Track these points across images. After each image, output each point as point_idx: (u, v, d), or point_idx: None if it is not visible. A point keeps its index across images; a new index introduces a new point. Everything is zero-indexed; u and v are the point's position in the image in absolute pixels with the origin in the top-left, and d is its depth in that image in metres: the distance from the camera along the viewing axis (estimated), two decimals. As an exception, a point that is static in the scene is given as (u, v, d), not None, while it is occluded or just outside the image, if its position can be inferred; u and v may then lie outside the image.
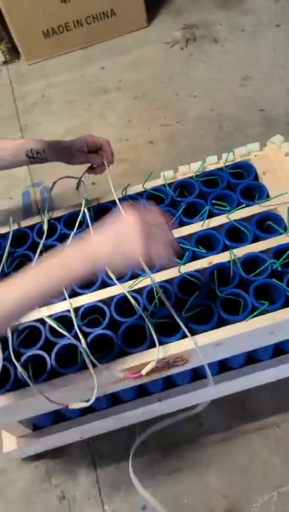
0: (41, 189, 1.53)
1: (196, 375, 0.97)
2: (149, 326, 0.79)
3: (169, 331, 0.81)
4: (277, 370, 0.97)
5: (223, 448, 1.00)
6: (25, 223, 1.00)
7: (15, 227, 0.99)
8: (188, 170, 0.99)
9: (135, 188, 1.01)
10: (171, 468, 1.00)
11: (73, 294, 0.87)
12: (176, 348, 0.78)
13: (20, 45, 1.89)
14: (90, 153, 0.98)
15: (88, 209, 0.98)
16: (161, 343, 0.79)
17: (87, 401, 0.77)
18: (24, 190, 1.53)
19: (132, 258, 0.65)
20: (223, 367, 0.97)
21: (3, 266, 0.92)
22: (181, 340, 0.79)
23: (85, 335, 0.82)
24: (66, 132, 1.65)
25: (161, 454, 1.01)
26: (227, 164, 0.98)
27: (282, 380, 1.01)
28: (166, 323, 0.81)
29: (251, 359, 0.97)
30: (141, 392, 0.97)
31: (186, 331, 0.78)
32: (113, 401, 0.97)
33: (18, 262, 0.94)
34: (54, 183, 1.03)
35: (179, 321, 0.78)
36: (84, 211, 0.97)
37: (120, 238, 0.66)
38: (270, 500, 0.93)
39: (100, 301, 0.85)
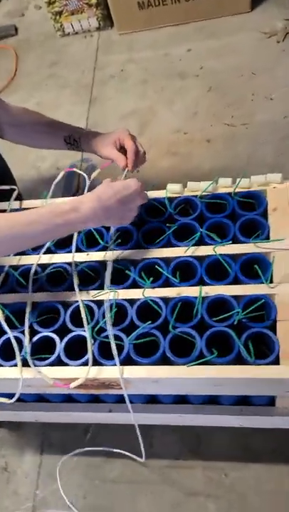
0: (88, 166, 1.54)
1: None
2: (88, 342, 0.77)
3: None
4: (238, 419, 0.91)
5: (164, 475, 0.98)
6: (28, 204, 1.01)
7: (15, 206, 1.01)
8: (197, 187, 0.93)
9: (155, 193, 0.96)
10: (109, 478, 1.00)
11: (37, 289, 0.88)
12: (108, 372, 0.76)
13: (115, 13, 1.86)
14: (119, 151, 0.95)
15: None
16: (97, 363, 0.77)
17: (12, 397, 0.78)
18: (72, 163, 1.55)
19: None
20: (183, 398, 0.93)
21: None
22: (118, 366, 0.77)
23: (33, 333, 0.82)
24: (131, 112, 1.62)
25: (105, 462, 1.02)
26: (238, 191, 0.90)
27: (245, 428, 0.95)
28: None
29: (211, 399, 0.91)
30: (96, 397, 0.97)
31: (116, 359, 0.75)
32: (68, 396, 0.98)
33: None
34: (94, 171, 1.00)
35: (113, 348, 0.75)
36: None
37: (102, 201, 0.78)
38: None
39: (60, 302, 0.85)
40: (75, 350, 0.81)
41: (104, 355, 0.78)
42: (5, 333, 0.83)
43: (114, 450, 0.89)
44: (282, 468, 0.94)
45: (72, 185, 1.50)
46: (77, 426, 1.04)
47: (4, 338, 0.83)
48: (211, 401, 0.91)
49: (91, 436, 1.05)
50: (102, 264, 0.88)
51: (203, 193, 0.91)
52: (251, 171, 1.36)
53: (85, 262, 0.89)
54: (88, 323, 0.80)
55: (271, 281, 0.79)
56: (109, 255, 0.88)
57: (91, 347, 0.77)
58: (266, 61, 1.62)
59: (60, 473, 1.01)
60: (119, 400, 0.95)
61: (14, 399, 0.78)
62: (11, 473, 1.03)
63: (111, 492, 0.98)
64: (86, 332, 0.78)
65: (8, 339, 0.81)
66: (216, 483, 0.95)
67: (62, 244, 0.93)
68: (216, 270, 0.83)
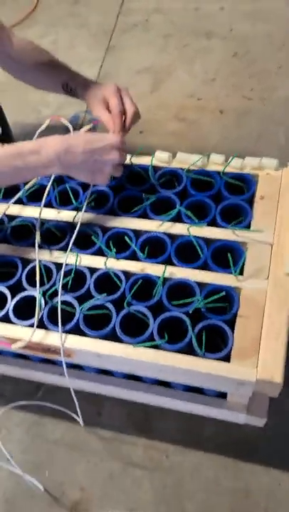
0: (91, 118, 1.46)
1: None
2: (37, 305, 0.73)
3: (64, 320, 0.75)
4: (188, 405, 0.88)
5: (106, 446, 0.96)
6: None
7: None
8: (186, 159, 0.86)
9: (141, 159, 0.89)
10: (52, 438, 0.99)
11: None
12: (52, 339, 0.73)
13: None
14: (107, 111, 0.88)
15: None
16: (44, 327, 0.74)
17: None
18: (75, 113, 1.47)
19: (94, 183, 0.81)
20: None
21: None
22: (60, 333, 0.73)
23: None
24: (146, 68, 1.52)
25: (51, 422, 1.01)
26: (228, 171, 0.83)
27: (195, 415, 0.92)
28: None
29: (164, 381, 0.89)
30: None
31: (60, 327, 0.72)
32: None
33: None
34: (50, 119, 0.94)
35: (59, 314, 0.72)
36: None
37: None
38: (117, 517, 0.90)
39: (20, 258, 0.81)
40: (28, 311, 0.78)
41: (55, 320, 0.75)
42: None
43: (56, 407, 0.87)
44: (222, 460, 0.92)
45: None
46: (31, 381, 1.03)
47: None
48: (163, 383, 0.89)
49: (43, 394, 1.04)
50: (71, 225, 0.83)
51: (192, 168, 0.85)
52: (260, 150, 1.29)
53: (54, 220, 0.84)
54: (42, 285, 0.76)
55: (241, 274, 0.74)
56: (79, 217, 0.83)
57: (39, 309, 0.74)
58: (301, 33, 1.49)
59: (4, 425, 1.01)
60: (72, 365, 0.93)
61: None
62: None
63: (50, 452, 0.97)
64: (37, 293, 0.75)
65: None
66: (156, 462, 0.93)
67: (37, 198, 0.88)
68: (187, 252, 0.78)
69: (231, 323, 0.70)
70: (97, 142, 0.75)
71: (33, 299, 0.77)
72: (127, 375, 0.90)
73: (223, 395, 0.86)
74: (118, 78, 1.51)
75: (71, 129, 0.89)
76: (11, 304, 0.76)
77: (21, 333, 0.74)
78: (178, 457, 0.94)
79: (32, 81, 1.02)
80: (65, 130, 0.89)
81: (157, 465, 0.94)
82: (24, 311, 0.77)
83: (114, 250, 0.76)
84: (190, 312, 0.70)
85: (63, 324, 0.73)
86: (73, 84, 0.95)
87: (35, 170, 0.74)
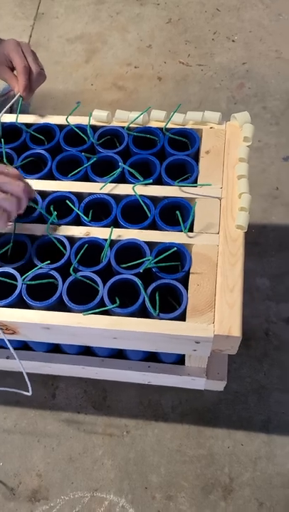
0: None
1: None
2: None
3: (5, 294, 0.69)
4: (146, 375, 0.85)
5: (64, 429, 0.91)
6: None
7: None
8: (126, 117, 0.81)
9: (78, 119, 0.84)
10: (4, 427, 0.93)
11: None
12: (-4, 314, 0.67)
13: None
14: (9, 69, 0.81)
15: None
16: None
17: None
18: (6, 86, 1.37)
19: None
20: (88, 349, 0.86)
21: None
22: (7, 308, 0.67)
23: None
24: (78, 37, 1.45)
25: (1, 410, 0.94)
26: (170, 127, 0.79)
27: (154, 386, 0.89)
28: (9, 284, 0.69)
29: (119, 352, 0.85)
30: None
31: None
32: None
33: None
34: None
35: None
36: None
37: None
38: (79, 499, 0.85)
39: None
40: None
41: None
42: None
43: (5, 389, 0.80)
44: (184, 429, 0.90)
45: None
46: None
47: None
48: (118, 355, 0.85)
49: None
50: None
51: (133, 125, 0.80)
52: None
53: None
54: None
55: (191, 230, 0.70)
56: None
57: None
58: (234, -1, 1.48)
59: None
60: (19, 346, 0.86)
61: None
62: None
63: (4, 443, 0.91)
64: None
65: None
66: (116, 439, 0.90)
67: None
68: (134, 213, 0.73)
69: (184, 282, 0.67)
70: None
71: None
72: (79, 352, 0.86)
73: (180, 362, 0.84)
74: (50, 48, 1.43)
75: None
76: None
77: None
78: (139, 431, 0.91)
79: None
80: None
81: (118, 442, 0.90)
82: None
83: (56, 214, 0.71)
84: (141, 272, 0.66)
85: (4, 297, 0.67)
86: None
87: None
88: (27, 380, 0.74)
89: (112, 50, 1.42)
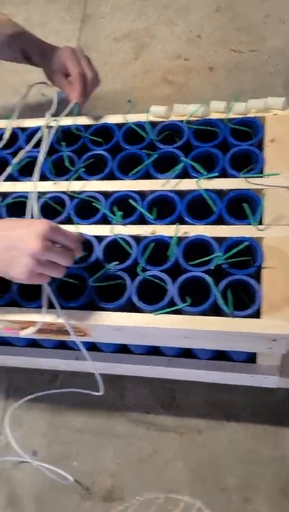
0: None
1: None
2: (45, 285, 0.67)
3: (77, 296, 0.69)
4: (215, 374, 0.83)
5: (133, 429, 0.91)
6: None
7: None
8: (185, 111, 0.79)
9: (135, 116, 0.82)
10: (75, 427, 0.93)
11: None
12: (66, 317, 0.67)
13: None
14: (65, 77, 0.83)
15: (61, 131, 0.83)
16: (53, 306, 0.67)
17: None
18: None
19: (13, 279, 0.61)
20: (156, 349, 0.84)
21: None
22: (77, 311, 0.67)
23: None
24: (125, 35, 1.44)
25: (71, 410, 0.95)
26: (232, 117, 0.76)
27: (224, 385, 0.87)
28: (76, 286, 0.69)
29: (187, 351, 0.83)
30: (62, 342, 0.89)
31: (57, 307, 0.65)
32: (32, 340, 0.90)
33: None
34: (30, 86, 0.88)
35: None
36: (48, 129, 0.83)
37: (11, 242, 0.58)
38: (154, 500, 0.84)
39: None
40: (34, 290, 0.71)
41: (64, 296, 0.68)
42: None
43: (77, 390, 0.81)
44: (258, 429, 0.86)
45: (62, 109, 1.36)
46: (48, 371, 0.97)
47: None
48: (186, 354, 0.83)
49: (60, 383, 0.98)
50: (69, 195, 0.77)
51: (192, 118, 0.78)
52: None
53: (50, 192, 0.77)
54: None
55: (261, 223, 0.67)
56: (77, 185, 0.76)
57: (47, 288, 0.67)
58: (285, -21, 1.41)
59: (25, 419, 0.95)
60: (87, 347, 0.87)
61: None
62: (-26, 416, 0.97)
63: (75, 442, 0.92)
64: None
65: None
66: (188, 440, 0.88)
67: (29, 172, 0.81)
68: (199, 208, 0.71)
69: (257, 277, 0.64)
70: (18, 228, 0.59)
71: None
72: (147, 351, 0.85)
73: (251, 360, 0.81)
74: (98, 48, 1.43)
75: (55, 100, 0.83)
76: (15, 286, 0.70)
77: (29, 316, 0.68)
78: (211, 432, 0.88)
79: None
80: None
81: (190, 443, 0.88)
82: (29, 292, 0.71)
83: (121, 214, 0.70)
84: (212, 269, 0.64)
85: (74, 300, 0.67)
86: (29, 50, 0.88)
87: None
88: (100, 380, 0.74)
89: (161, 45, 1.39)
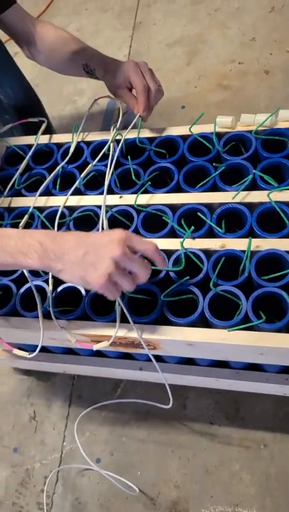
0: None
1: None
2: (119, 300, 0.68)
3: (145, 310, 0.69)
4: (283, 388, 0.81)
5: (197, 440, 0.91)
6: (57, 139, 0.91)
7: (45, 141, 0.90)
8: (252, 121, 0.78)
9: (199, 128, 0.82)
10: (138, 436, 0.94)
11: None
12: (136, 332, 0.67)
13: None
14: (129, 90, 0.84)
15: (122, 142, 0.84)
16: (126, 321, 0.68)
17: (32, 352, 0.72)
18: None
19: (88, 284, 0.60)
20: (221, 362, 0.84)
21: (14, 180, 0.86)
22: (149, 325, 0.67)
23: (58, 283, 0.74)
24: (177, 40, 1.44)
25: (134, 419, 0.96)
26: (302, 126, 0.74)
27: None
28: (145, 301, 0.69)
29: (254, 364, 0.81)
30: (127, 353, 0.90)
31: (129, 321, 0.65)
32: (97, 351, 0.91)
33: (34, 181, 0.87)
34: (95, 100, 0.90)
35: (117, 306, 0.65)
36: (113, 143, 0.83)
37: (89, 257, 0.58)
38: (221, 514, 0.84)
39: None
40: (103, 304, 0.72)
41: (135, 311, 0.69)
42: (27, 281, 0.75)
43: (140, 401, 0.81)
44: None
45: (111, 119, 1.37)
46: (108, 379, 0.98)
47: (27, 286, 0.76)
48: (253, 367, 0.82)
49: (122, 391, 0.99)
50: (136, 208, 0.77)
51: (260, 128, 0.77)
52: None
53: (117, 205, 0.78)
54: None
55: None
56: (144, 198, 0.77)
57: (119, 303, 0.68)
58: None
59: (87, 427, 0.97)
60: (148, 358, 0.87)
61: (33, 354, 0.71)
62: (39, 423, 1.00)
63: (139, 451, 0.93)
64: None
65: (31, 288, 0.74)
66: (254, 453, 0.87)
67: (95, 185, 0.83)
68: (270, 220, 0.70)
69: None
70: (93, 236, 0.60)
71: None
72: (212, 364, 0.84)
73: None
74: (150, 55, 1.44)
75: (121, 114, 0.84)
76: (86, 301, 0.71)
77: (101, 331, 0.69)
78: (277, 445, 0.87)
79: (58, 68, 0.98)
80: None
81: (256, 455, 0.87)
82: (100, 305, 0.72)
83: (192, 229, 0.69)
84: (285, 284, 0.63)
85: (144, 315, 0.68)
86: (92, 65, 0.89)
87: (13, 255, 0.61)
88: (169, 392, 0.74)
89: (214, 49, 1.38)
